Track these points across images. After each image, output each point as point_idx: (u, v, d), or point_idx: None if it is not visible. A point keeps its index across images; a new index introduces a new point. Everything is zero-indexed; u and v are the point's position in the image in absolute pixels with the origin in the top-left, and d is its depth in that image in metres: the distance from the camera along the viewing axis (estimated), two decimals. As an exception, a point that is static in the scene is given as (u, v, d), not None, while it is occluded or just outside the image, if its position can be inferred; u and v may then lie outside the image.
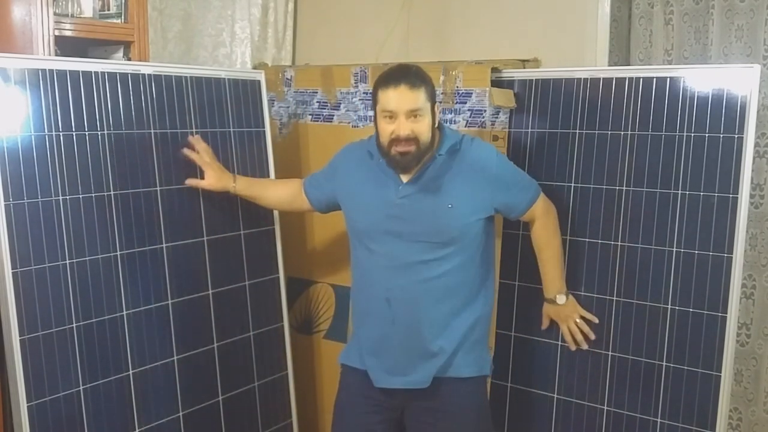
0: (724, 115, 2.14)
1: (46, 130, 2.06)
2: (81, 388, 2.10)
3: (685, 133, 2.20)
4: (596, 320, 2.28)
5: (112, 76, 2.23)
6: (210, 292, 2.49)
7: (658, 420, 2.24)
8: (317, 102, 2.93)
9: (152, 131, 2.33)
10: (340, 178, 2.22)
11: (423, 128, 1.99)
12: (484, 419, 2.17)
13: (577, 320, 2.27)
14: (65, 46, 2.34)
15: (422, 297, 2.02)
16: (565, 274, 2.28)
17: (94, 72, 2.18)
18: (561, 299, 2.25)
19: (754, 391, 2.70)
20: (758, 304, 2.66)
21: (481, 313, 2.11)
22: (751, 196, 2.34)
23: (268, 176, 2.72)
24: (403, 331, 2.03)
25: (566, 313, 2.28)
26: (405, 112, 1.96)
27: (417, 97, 1.97)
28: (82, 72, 2.15)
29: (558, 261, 2.24)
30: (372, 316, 2.08)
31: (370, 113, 2.77)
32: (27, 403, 1.98)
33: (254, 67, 3.23)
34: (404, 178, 2.06)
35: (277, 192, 2.48)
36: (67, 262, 2.08)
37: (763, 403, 2.68)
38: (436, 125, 2.06)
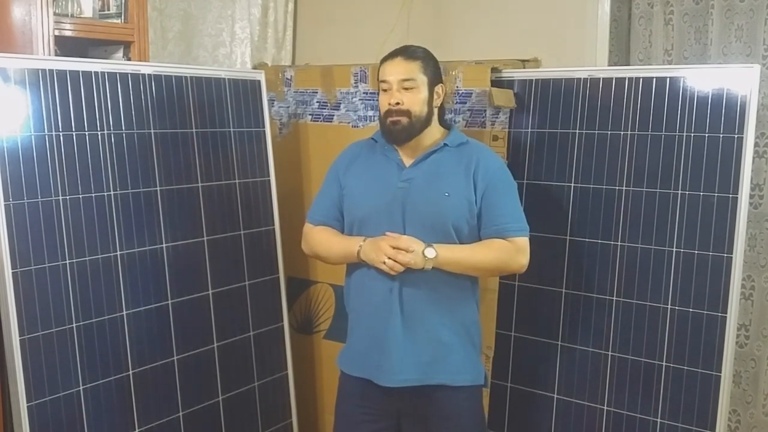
0: (723, 115, 2.14)
1: (46, 130, 2.06)
2: (81, 388, 2.10)
3: (684, 133, 2.20)
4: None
5: (112, 76, 2.23)
6: (210, 292, 2.49)
7: (658, 420, 2.24)
8: (317, 102, 2.93)
9: (152, 131, 2.33)
10: (342, 176, 2.17)
11: (415, 100, 2.01)
12: (480, 427, 2.17)
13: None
14: (65, 46, 2.34)
15: (423, 286, 2.01)
16: (460, 263, 2.01)
17: (94, 72, 2.18)
18: (430, 252, 1.96)
19: (752, 392, 2.69)
20: (757, 305, 2.65)
21: (473, 317, 2.12)
22: (750, 197, 2.34)
23: (268, 176, 2.72)
24: (405, 322, 2.02)
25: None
26: (398, 82, 2.01)
27: (410, 68, 2.02)
28: (82, 72, 2.15)
29: (476, 253, 2.01)
30: (374, 310, 2.06)
31: (370, 113, 2.77)
32: (27, 403, 1.98)
33: (254, 67, 3.23)
34: (407, 163, 2.07)
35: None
36: (67, 262, 2.08)
37: (762, 405, 2.67)
38: (437, 105, 2.08)
